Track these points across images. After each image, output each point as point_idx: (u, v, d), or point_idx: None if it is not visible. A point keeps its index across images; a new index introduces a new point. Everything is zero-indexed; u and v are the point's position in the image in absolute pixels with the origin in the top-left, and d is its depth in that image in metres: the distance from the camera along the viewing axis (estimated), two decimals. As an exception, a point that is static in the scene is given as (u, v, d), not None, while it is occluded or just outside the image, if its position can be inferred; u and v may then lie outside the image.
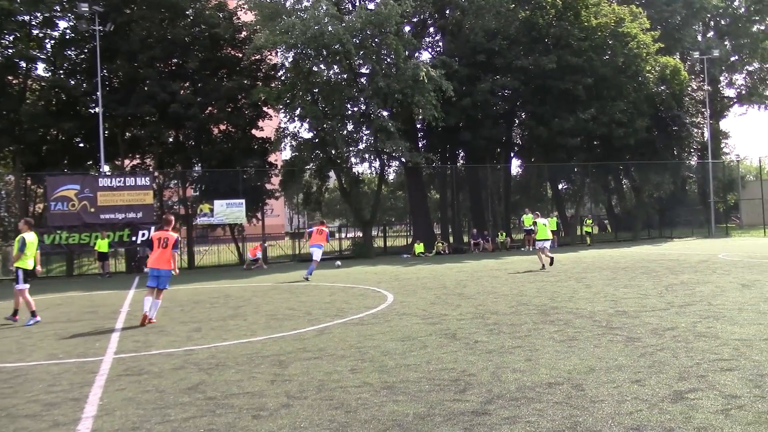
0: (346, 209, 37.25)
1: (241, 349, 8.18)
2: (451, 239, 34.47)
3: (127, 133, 30.71)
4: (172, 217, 12.26)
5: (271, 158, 33.64)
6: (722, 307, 9.72)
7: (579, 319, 9.16)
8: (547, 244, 19.58)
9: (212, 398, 5.84)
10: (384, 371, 6.56)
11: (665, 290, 12.10)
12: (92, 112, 28.50)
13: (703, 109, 39.45)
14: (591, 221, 35.14)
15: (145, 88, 28.01)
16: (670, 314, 9.25)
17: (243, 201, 27.65)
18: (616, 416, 4.77)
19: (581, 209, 41.62)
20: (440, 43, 36.62)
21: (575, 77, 31.29)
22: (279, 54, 31.81)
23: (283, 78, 31.25)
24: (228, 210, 27.40)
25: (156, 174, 29.91)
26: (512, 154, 40.01)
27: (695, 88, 38.97)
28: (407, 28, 32.24)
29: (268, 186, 32.24)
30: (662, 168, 36.90)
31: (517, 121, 37.95)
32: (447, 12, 33.92)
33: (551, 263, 18.59)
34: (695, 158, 44.50)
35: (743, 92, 55.50)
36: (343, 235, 37.45)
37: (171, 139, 31.34)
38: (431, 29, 36.59)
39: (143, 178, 26.70)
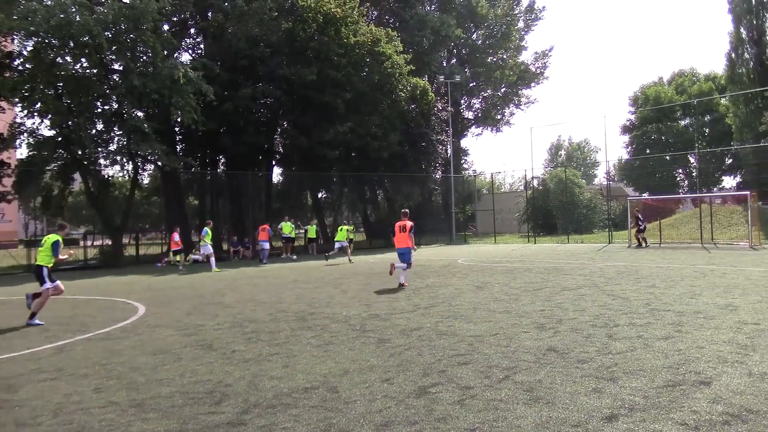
0: (94, 214, 34.26)
1: (-43, 374, 7.07)
2: (210, 247, 33.51)
3: None
4: (407, 210, 15.72)
5: (3, 156, 29.69)
6: (460, 307, 10.76)
7: (335, 324, 9.47)
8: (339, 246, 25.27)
9: None
10: (133, 388, 6.14)
11: (413, 293, 13.05)
12: None
13: (446, 128, 43.42)
14: (353, 228, 36.58)
15: None
16: (417, 315, 10.00)
17: (-36, 204, 24.09)
18: (367, 415, 5.01)
19: (339, 217, 43.26)
20: (201, 46, 35.61)
21: (335, 91, 32.50)
22: (16, 41, 28.24)
23: (20, 68, 27.81)
24: (-56, 213, 23.65)
25: None
26: (273, 162, 40.23)
27: (440, 108, 42.68)
28: (166, 27, 30.83)
29: (-1, 187, 28.46)
30: (411, 180, 39.87)
31: (279, 130, 38.25)
32: (209, 14, 33.09)
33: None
34: (440, 172, 48.81)
35: (479, 115, 62.64)
36: (89, 243, 34.29)
37: None
38: (192, 30, 35.39)
39: None
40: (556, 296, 11.72)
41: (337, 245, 25.69)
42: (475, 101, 62.78)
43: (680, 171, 61.14)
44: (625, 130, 64.49)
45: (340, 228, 26.89)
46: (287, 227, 29.82)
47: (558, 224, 43.80)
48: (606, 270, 17.12)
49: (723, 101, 52.42)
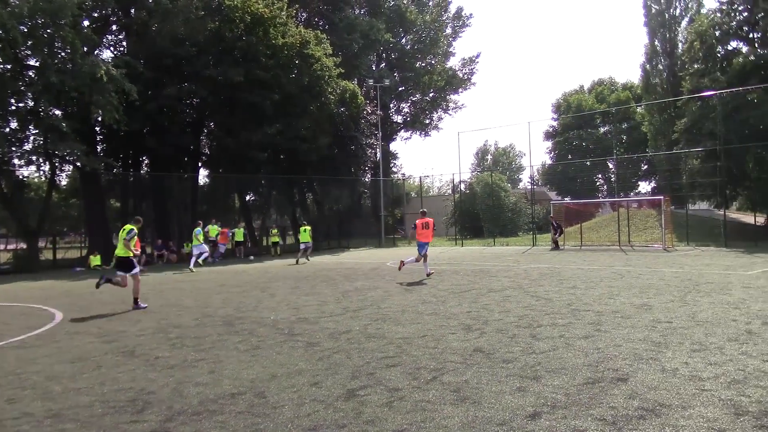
0: (7, 217, 32.54)
1: None
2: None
3: None
4: (426, 210, 18.05)
5: None
6: (389, 309, 10.82)
7: (263, 328, 9.35)
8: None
9: None
10: (49, 398, 5.88)
11: (342, 296, 13.04)
12: None
13: (376, 132, 43.63)
14: (277, 231, 36.27)
15: None
16: (346, 318, 9.99)
17: None
18: (295, 419, 4.97)
19: (268, 220, 42.71)
20: (124, 43, 34.45)
21: (263, 92, 32.00)
22: None
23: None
24: None
25: None
26: (200, 164, 39.36)
27: (370, 112, 42.86)
28: (86, 22, 29.68)
29: None
30: (341, 183, 39.86)
31: (205, 131, 37.46)
32: (132, 11, 32.06)
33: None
34: (369, 175, 48.95)
35: (408, 119, 63.26)
36: (2, 247, 32.54)
37: None
38: (114, 27, 34.20)
39: None
40: (482, 298, 11.96)
41: (302, 246, 26.64)
42: (404, 105, 63.42)
43: (600, 176, 63.54)
44: (548, 136, 66.55)
45: (303, 229, 26.93)
46: (214, 230, 29.31)
47: (484, 227, 44.67)
48: (530, 272, 17.60)
49: (639, 110, 54.74)
